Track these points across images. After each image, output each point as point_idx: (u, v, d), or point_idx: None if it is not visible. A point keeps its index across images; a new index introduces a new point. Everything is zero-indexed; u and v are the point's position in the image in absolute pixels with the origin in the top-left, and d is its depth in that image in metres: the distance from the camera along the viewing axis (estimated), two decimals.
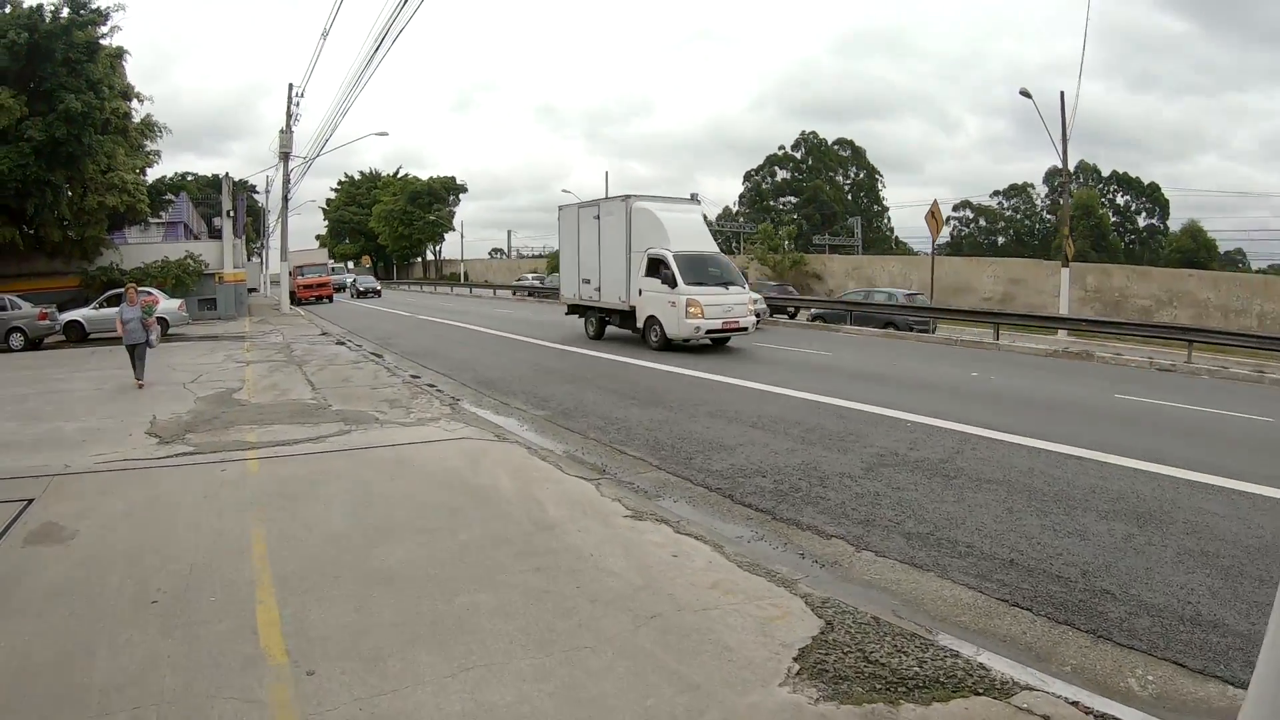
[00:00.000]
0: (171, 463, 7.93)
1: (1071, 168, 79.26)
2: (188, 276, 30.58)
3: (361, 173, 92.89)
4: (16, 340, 21.66)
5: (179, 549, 5.52)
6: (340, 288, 57.78)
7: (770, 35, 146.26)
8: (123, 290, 25.39)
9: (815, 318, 27.97)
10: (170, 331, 24.10)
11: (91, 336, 23.82)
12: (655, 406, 11.39)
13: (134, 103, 31.08)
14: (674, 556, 5.59)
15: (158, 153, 32.54)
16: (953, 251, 79.29)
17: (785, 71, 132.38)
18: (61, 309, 24.49)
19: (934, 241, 27.19)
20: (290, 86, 37.62)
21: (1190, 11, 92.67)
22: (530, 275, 59.11)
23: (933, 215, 24.92)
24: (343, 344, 20.55)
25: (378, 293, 53.08)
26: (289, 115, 37.58)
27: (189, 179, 33.37)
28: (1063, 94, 28.57)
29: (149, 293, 24.96)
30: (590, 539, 5.84)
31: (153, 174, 32.80)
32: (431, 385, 13.45)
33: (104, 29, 26.61)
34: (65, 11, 24.73)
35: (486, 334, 22.70)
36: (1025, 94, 28.75)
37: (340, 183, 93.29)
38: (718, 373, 14.51)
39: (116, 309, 24.21)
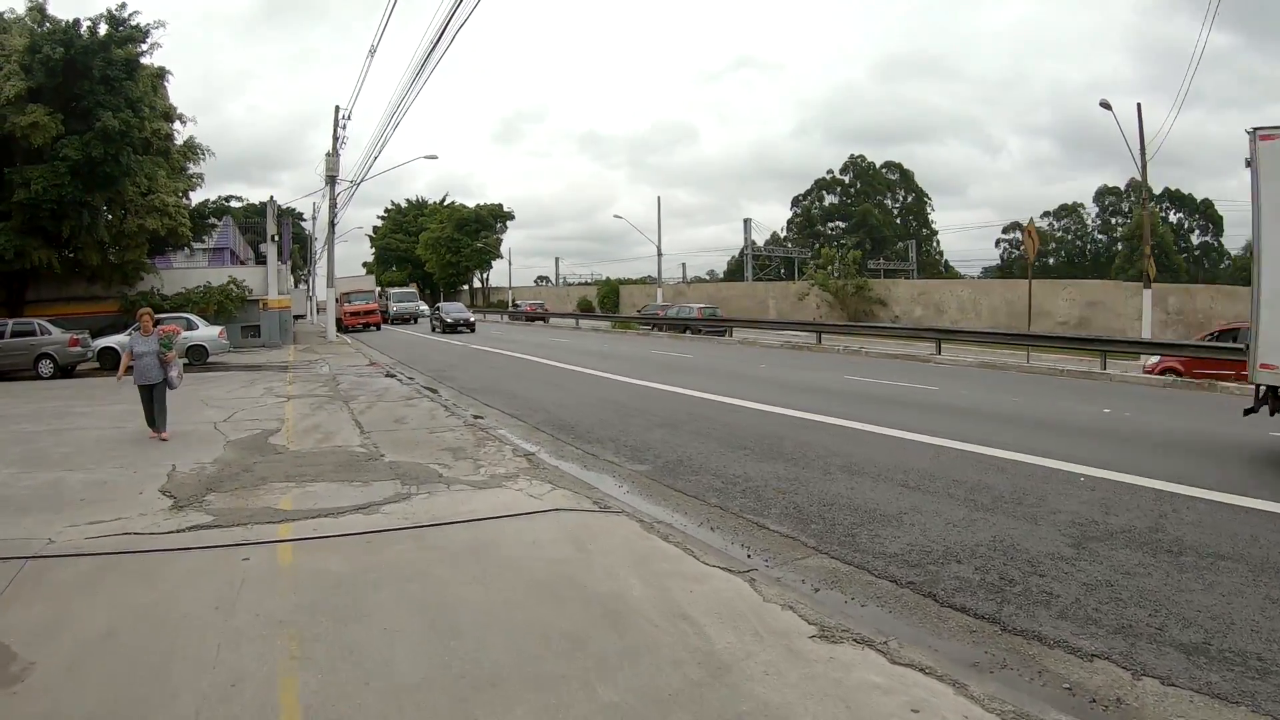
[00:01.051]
0: (181, 541, 6.01)
1: (1122, 186, 76.94)
2: (230, 302, 29.32)
3: (408, 200, 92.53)
4: (46, 367, 20.25)
5: (172, 712, 3.55)
6: (409, 317, 51.30)
7: (812, 61, 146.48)
8: (162, 316, 24.14)
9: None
10: (210, 360, 22.63)
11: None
12: (774, 459, 9.30)
13: (176, 124, 30.10)
14: (915, 713, 3.57)
15: (200, 176, 31.49)
16: (1003, 274, 77.37)
17: (827, 97, 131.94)
18: (100, 335, 23.14)
19: (1030, 262, 24.84)
20: (337, 109, 36.50)
21: (1232, 25, 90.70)
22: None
23: (1029, 234, 22.66)
24: (393, 376, 18.77)
25: (470, 326, 41.03)
26: (335, 138, 36.49)
27: (233, 204, 32.16)
28: (1139, 105, 26.91)
29: (186, 318, 23.56)
30: (787, 687, 3.82)
31: (196, 198, 31.68)
32: (498, 429, 11.48)
33: (144, 46, 25.47)
34: (103, 28, 23.62)
35: (548, 366, 20.75)
36: (1105, 105, 26.85)
37: (387, 210, 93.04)
38: (816, 412, 12.39)
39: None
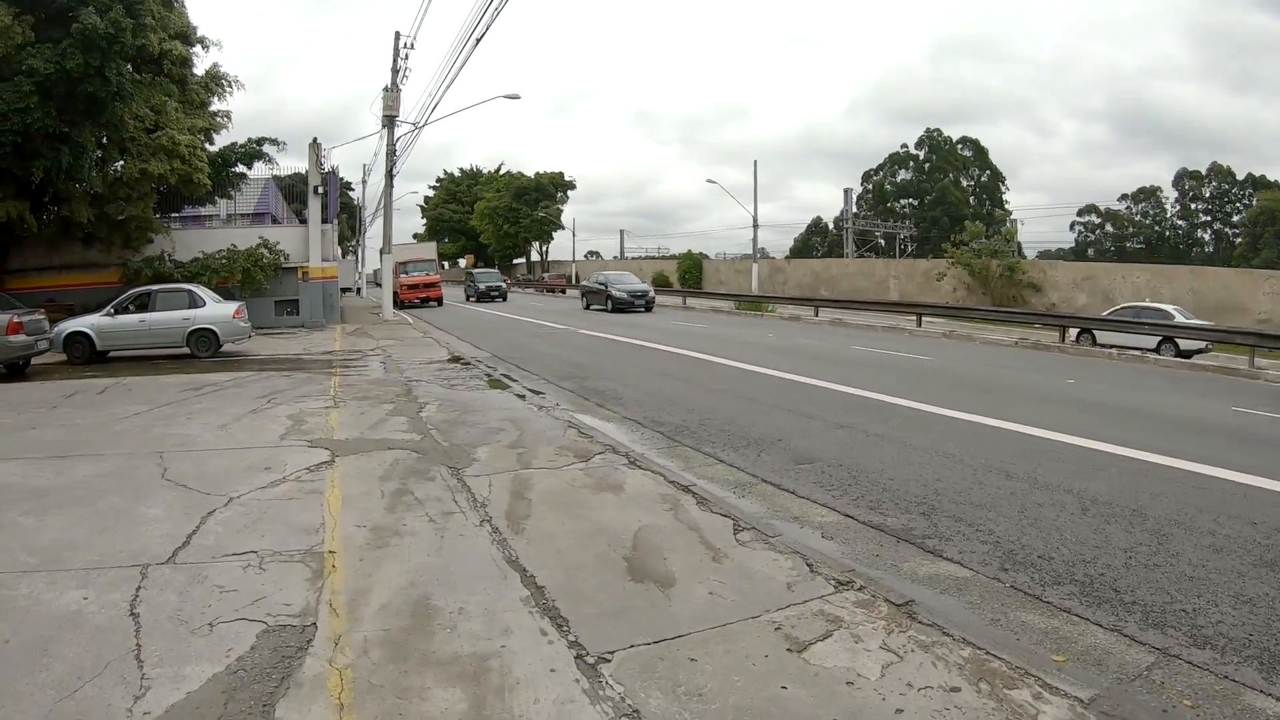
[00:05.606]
0: None
1: (1204, 170, 69.81)
2: (260, 270, 22.21)
3: (461, 169, 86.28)
4: None
5: None
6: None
7: (864, 41, 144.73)
8: (153, 288, 16.77)
9: None
10: (224, 349, 15.42)
11: (111, 355, 15.31)
12: None
13: (196, 49, 22.71)
14: None
15: (227, 114, 24.00)
16: (1077, 259, 70.47)
17: (879, 78, 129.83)
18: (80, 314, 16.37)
19: None
20: (397, 36, 29.09)
21: None
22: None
23: None
24: (502, 385, 11.34)
25: (645, 303, 29.93)
26: (395, 70, 29.17)
27: (267, 148, 24.65)
28: None
29: (187, 291, 16.27)
30: None
31: (221, 142, 24.32)
32: (941, 610, 4.08)
33: None
34: None
35: (763, 375, 12.62)
36: None
37: (439, 180, 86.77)
38: None
39: (140, 316, 15.82)
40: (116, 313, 15.45)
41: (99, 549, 4.71)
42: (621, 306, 29.32)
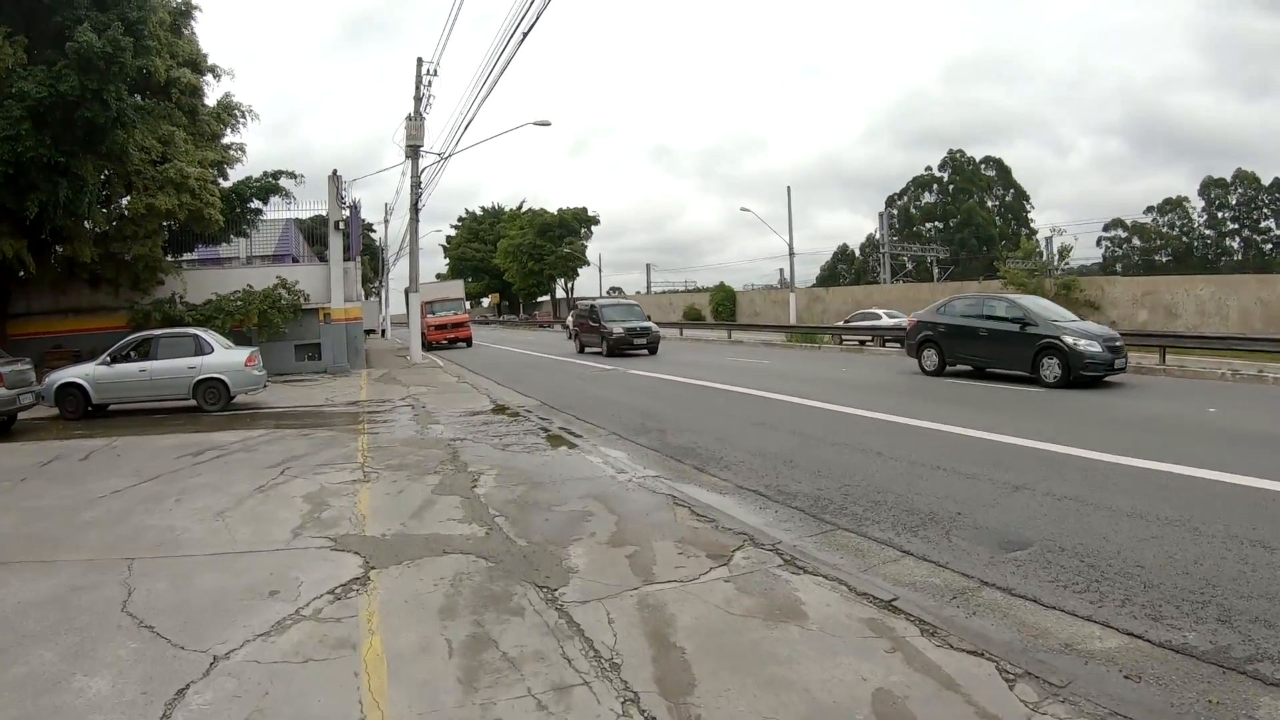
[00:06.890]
0: None
1: (1229, 178, 68.48)
2: (278, 312, 20.49)
3: (483, 208, 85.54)
4: None
5: None
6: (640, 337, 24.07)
7: (877, 68, 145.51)
8: (155, 333, 14.64)
9: None
10: (235, 400, 13.57)
11: (111, 409, 13.50)
12: None
13: (208, 77, 21.31)
14: None
15: (240, 147, 22.50)
16: (1104, 273, 68.71)
17: (894, 102, 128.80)
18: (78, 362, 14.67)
19: None
20: (419, 62, 27.62)
21: None
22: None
23: None
24: (565, 442, 9.34)
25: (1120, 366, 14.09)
26: (418, 99, 27.64)
27: (284, 181, 22.83)
28: None
29: (193, 336, 14.43)
30: None
31: (235, 177, 22.74)
32: None
33: None
34: None
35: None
36: None
37: (461, 219, 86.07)
38: None
39: (140, 365, 13.87)
40: (114, 361, 13.67)
41: None
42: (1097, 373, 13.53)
